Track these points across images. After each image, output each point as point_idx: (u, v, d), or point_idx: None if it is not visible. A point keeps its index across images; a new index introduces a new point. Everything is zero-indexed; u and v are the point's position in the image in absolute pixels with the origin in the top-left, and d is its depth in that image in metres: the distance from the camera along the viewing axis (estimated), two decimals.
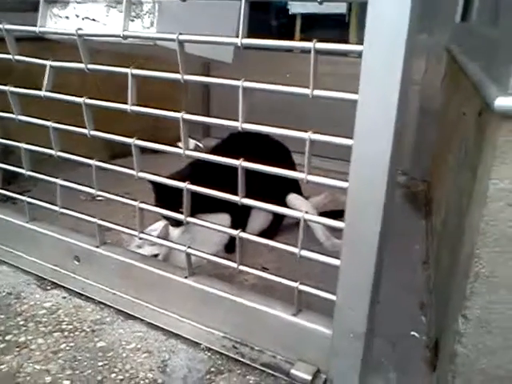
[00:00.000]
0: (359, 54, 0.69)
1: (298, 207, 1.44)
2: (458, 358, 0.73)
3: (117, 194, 1.08)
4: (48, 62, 1.01)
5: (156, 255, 1.22)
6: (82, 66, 0.95)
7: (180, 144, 1.88)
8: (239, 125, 0.83)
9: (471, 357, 0.72)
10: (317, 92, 0.75)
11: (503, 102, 0.62)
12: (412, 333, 1.04)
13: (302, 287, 0.86)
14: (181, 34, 0.82)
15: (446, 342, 0.82)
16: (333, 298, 0.82)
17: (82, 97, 0.99)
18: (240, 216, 1.42)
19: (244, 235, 0.91)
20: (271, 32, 2.77)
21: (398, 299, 1.14)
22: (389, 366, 0.93)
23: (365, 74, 0.69)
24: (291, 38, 2.61)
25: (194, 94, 2.64)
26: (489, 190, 0.66)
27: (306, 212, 0.83)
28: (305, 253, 0.84)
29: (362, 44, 0.68)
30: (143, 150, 0.99)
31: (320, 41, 0.73)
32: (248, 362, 0.92)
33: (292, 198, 1.50)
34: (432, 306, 1.10)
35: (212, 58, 1.07)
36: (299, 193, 1.54)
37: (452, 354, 0.74)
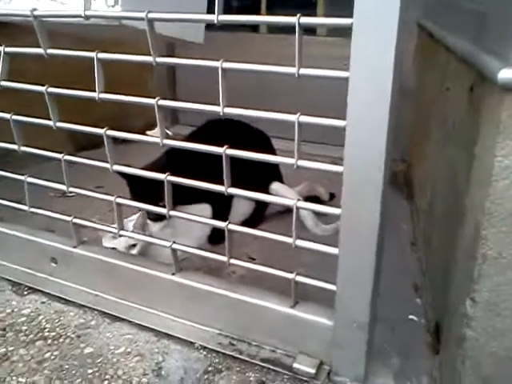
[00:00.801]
0: (349, 28, 0.63)
1: (284, 195, 1.39)
2: (467, 342, 0.70)
3: (89, 189, 1.01)
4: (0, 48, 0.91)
5: (134, 245, 1.15)
6: (40, 51, 0.86)
7: (150, 132, 1.78)
8: (220, 109, 0.76)
9: (481, 340, 0.69)
10: (303, 71, 0.69)
11: (507, 74, 0.57)
12: (410, 316, 1.01)
13: (300, 278, 0.82)
14: (150, 12, 0.74)
15: (450, 326, 0.79)
16: (333, 287, 0.78)
17: (43, 85, 0.90)
18: (221, 206, 1.36)
19: (233, 227, 0.85)
20: (232, 13, 2.59)
21: (392, 282, 1.11)
22: (391, 352, 0.90)
23: (356, 48, 0.63)
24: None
25: (159, 78, 2.52)
26: (494, 167, 0.61)
27: (298, 199, 0.78)
28: (300, 242, 0.79)
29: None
30: (113, 139, 0.91)
31: None
32: (247, 359, 0.87)
33: (276, 186, 1.44)
34: (427, 288, 1.07)
35: (183, 38, 0.99)
36: (281, 181, 1.49)
37: (460, 338, 0.71)
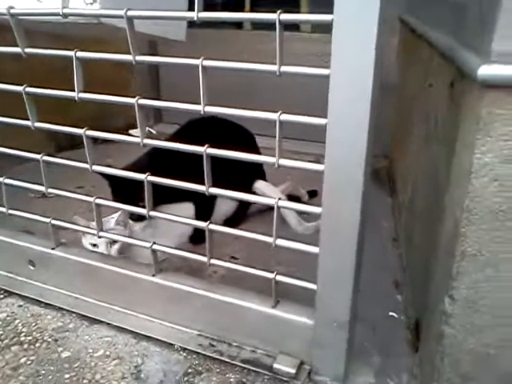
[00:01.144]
0: (330, 24, 0.63)
1: (267, 194, 1.39)
2: (445, 339, 0.70)
3: (70, 190, 0.99)
4: None
5: (115, 241, 1.13)
6: (18, 50, 0.85)
7: (132, 132, 1.76)
8: (201, 108, 0.76)
9: (459, 337, 0.70)
10: (284, 68, 0.69)
11: (486, 70, 0.57)
12: (390, 313, 1.02)
13: (280, 277, 0.81)
14: (129, 9, 0.74)
15: (430, 323, 0.79)
16: (313, 287, 0.78)
17: (21, 85, 0.88)
18: (205, 204, 1.35)
19: (214, 227, 0.84)
20: (216, 10, 2.59)
21: (372, 278, 1.11)
22: (372, 350, 0.90)
23: (336, 45, 0.64)
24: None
25: (141, 77, 2.50)
26: (473, 165, 0.62)
27: (279, 199, 0.78)
28: (280, 242, 0.79)
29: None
30: (93, 139, 0.90)
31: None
32: (227, 360, 0.87)
33: (260, 184, 1.44)
34: (407, 285, 1.08)
35: (164, 36, 0.98)
36: (264, 179, 1.48)
37: (439, 335, 0.71)
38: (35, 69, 2.06)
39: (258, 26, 2.39)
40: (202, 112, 0.76)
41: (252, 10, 2.44)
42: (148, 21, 0.86)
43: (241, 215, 1.45)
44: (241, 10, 2.47)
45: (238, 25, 2.51)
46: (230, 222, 1.40)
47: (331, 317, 0.78)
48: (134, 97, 0.81)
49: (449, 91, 0.81)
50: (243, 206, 1.44)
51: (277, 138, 0.72)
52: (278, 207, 0.77)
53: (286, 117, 0.71)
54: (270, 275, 0.82)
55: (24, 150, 0.98)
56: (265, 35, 2.42)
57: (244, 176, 1.37)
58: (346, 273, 0.74)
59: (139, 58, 0.76)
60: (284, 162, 0.74)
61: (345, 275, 0.74)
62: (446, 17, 0.92)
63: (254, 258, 1.27)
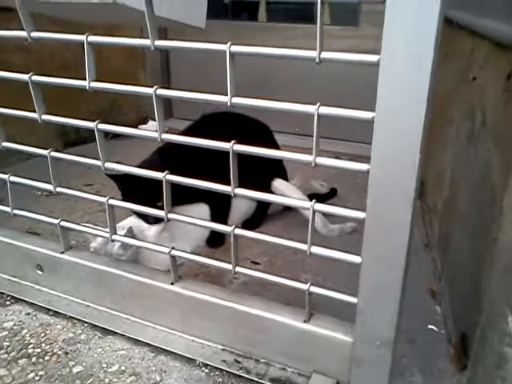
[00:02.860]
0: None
1: (287, 194, 1.30)
2: (510, 363, 0.62)
3: (78, 189, 0.91)
4: None
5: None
6: (23, 33, 0.76)
7: (142, 127, 1.66)
8: (228, 99, 0.67)
9: None
10: (325, 54, 0.60)
11: None
12: (429, 326, 0.93)
13: (314, 289, 0.73)
14: None
15: (485, 342, 0.71)
16: (353, 300, 0.69)
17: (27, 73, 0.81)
18: (220, 206, 1.27)
19: (240, 232, 0.76)
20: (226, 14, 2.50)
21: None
22: (412, 368, 0.82)
23: (389, 24, 0.55)
24: (254, 13, 2.40)
25: (152, 71, 2.42)
26: None
27: (314, 200, 0.69)
28: (316, 249, 0.70)
29: None
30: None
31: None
32: (254, 378, 0.79)
33: (279, 183, 1.35)
34: (445, 295, 0.99)
35: (184, 22, 0.90)
36: (285, 178, 1.39)
37: (501, 358, 0.63)
38: (44, 63, 1.99)
39: (273, 18, 2.31)
40: (228, 104, 0.68)
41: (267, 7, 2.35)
42: (168, 5, 0.77)
43: (260, 217, 1.37)
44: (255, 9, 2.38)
45: (252, 16, 2.41)
46: (249, 223, 1.32)
47: (374, 334, 0.69)
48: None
49: (505, 84, 0.72)
50: (263, 206, 1.36)
51: (314, 134, 0.64)
52: (314, 211, 0.69)
53: (325, 110, 0.62)
54: (304, 286, 0.74)
55: (30, 145, 0.90)
56: (280, 28, 2.34)
57: (263, 174, 1.28)
58: (392, 286, 0.66)
59: (158, 42, 0.68)
60: (322, 160, 0.65)
61: (391, 288, 0.66)
62: (497, 1, 0.83)
63: (276, 264, 1.19)
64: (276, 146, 1.34)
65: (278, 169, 1.40)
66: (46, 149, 0.87)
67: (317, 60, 0.60)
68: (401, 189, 0.60)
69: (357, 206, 0.66)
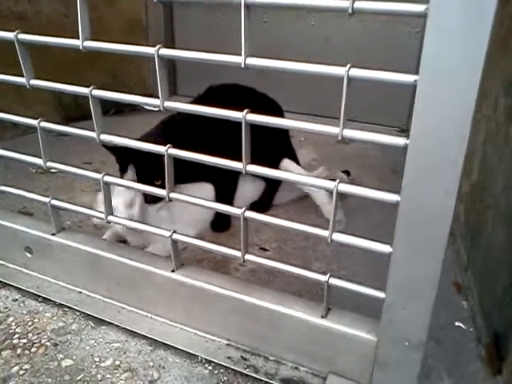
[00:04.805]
0: None
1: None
2: None
3: (75, 165, 0.82)
4: None
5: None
6: None
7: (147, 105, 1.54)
8: (242, 60, 0.58)
9: None
10: (359, 4, 0.50)
11: None
12: (457, 323, 0.85)
13: (335, 281, 0.64)
14: None
15: None
16: (380, 295, 0.61)
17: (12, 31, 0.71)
18: (226, 186, 1.18)
19: (250, 214, 0.67)
20: None
21: None
22: (440, 370, 0.74)
23: None
24: None
25: (155, 41, 2.32)
26: None
27: (338, 181, 0.60)
28: (338, 236, 0.61)
29: None
30: (103, 110, 0.73)
31: None
32: (263, 378, 0.70)
33: (288, 164, 1.25)
34: (473, 289, 0.90)
35: None
36: (294, 159, 1.30)
37: None
38: (42, 32, 1.89)
39: None
40: (242, 65, 0.58)
41: None
42: None
43: (268, 199, 1.28)
44: None
45: None
46: (257, 206, 1.23)
47: (402, 334, 0.61)
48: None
49: None
50: (271, 188, 1.27)
51: (343, 102, 0.54)
52: (338, 192, 0.60)
53: (357, 72, 0.53)
54: (322, 278, 0.65)
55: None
56: None
57: (270, 153, 1.19)
58: (427, 280, 0.57)
59: None
60: (350, 132, 0.56)
61: (426, 283, 0.57)
62: None
63: (286, 251, 1.10)
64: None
65: (286, 149, 1.31)
66: (40, 119, 0.78)
67: (349, 11, 0.51)
68: (445, 167, 0.51)
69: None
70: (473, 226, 0.98)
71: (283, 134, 1.30)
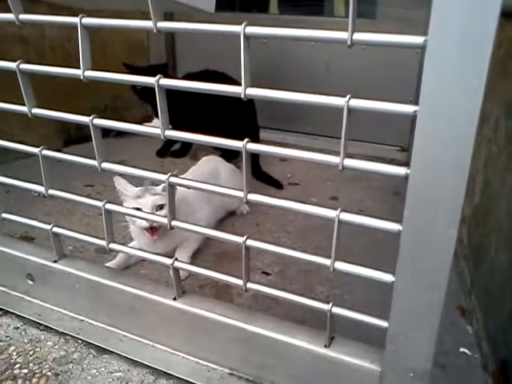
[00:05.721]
0: None
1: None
2: None
3: (74, 192, 0.82)
4: None
5: (161, 206, 1.04)
6: (10, 16, 0.68)
7: (147, 124, 1.58)
8: (242, 91, 0.58)
9: None
10: (358, 36, 0.51)
11: None
12: (461, 349, 0.83)
13: (338, 310, 0.64)
14: None
15: None
16: (383, 324, 0.60)
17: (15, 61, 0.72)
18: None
19: (252, 243, 0.67)
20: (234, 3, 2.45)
21: None
22: None
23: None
24: (264, 5, 2.32)
25: (157, 61, 2.34)
26: None
27: (341, 210, 0.60)
28: (341, 265, 0.61)
29: None
30: (104, 132, 0.73)
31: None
32: None
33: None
34: (477, 313, 0.89)
35: (192, 4, 0.80)
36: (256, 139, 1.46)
37: None
38: (45, 56, 1.91)
39: (287, 10, 2.22)
40: (242, 96, 0.59)
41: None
42: None
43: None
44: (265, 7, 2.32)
45: (263, 9, 2.33)
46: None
47: (407, 364, 0.60)
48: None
49: None
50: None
51: (343, 132, 0.54)
52: (340, 221, 0.59)
53: (357, 102, 0.53)
54: (325, 306, 0.64)
55: (28, 144, 0.82)
56: (294, 21, 2.24)
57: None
58: (431, 309, 0.56)
59: (161, 24, 0.58)
60: (351, 162, 0.56)
61: (429, 312, 0.56)
62: None
63: (289, 275, 1.09)
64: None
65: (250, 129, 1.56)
66: (42, 147, 0.78)
67: (348, 42, 0.51)
68: (446, 198, 0.51)
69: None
70: (476, 249, 0.98)
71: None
